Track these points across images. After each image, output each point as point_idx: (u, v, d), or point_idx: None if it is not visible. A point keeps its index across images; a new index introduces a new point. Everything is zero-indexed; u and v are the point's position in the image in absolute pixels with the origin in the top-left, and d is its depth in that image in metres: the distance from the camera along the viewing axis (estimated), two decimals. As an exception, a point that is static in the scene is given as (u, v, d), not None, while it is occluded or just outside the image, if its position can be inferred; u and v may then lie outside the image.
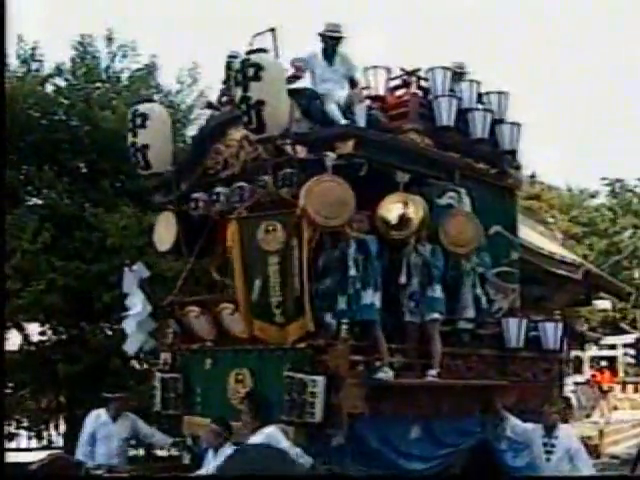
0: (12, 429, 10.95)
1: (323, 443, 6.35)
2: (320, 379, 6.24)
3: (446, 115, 7.68)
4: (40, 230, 9.92)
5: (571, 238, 29.80)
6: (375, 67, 7.93)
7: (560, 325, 8.14)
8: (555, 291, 14.01)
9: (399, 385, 6.69)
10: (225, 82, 7.87)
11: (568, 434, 7.51)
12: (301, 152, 6.73)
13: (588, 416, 21.45)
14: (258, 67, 6.35)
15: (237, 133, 7.31)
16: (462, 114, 7.92)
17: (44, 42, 11.36)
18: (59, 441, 11.45)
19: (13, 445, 11.19)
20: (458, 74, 8.30)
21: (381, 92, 7.92)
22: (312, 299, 6.46)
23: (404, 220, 6.95)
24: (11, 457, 9.57)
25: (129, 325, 8.13)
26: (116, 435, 7.92)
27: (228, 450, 6.44)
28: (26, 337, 10.90)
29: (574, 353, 23.67)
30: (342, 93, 7.32)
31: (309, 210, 6.36)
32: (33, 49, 11.29)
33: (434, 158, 7.48)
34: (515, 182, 8.56)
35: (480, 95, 8.30)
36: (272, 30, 6.94)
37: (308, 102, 7.13)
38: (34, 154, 10.93)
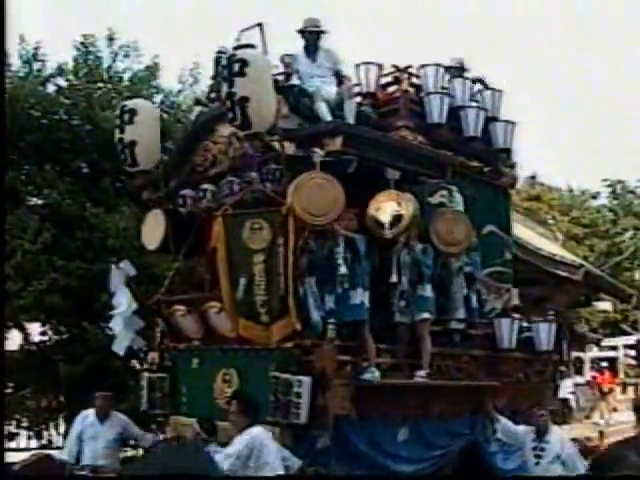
0: (12, 429, 10.97)
1: (309, 445, 6.27)
2: (306, 379, 6.16)
3: (437, 112, 7.59)
4: (41, 230, 9.96)
5: (572, 239, 29.63)
6: (366, 63, 7.82)
7: (553, 326, 8.03)
8: (555, 292, 13.95)
9: (387, 386, 6.60)
10: (214, 78, 7.78)
11: (560, 438, 7.36)
12: (289, 149, 6.63)
13: (588, 417, 21.34)
14: (243, 63, 6.27)
15: (226, 130, 7.21)
16: (455, 111, 7.83)
17: (46, 42, 11.43)
18: (59, 441, 11.36)
19: (13, 445, 11.17)
20: (458, 70, 8.23)
21: (372, 89, 7.81)
22: (298, 298, 6.37)
23: (394, 218, 6.86)
24: (11, 457, 9.51)
25: (116, 324, 8.04)
26: (102, 436, 7.80)
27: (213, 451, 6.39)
28: (27, 337, 10.95)
29: (575, 354, 23.55)
30: (331, 89, 7.24)
31: (296, 207, 6.28)
32: (35, 49, 11.32)
33: (425, 155, 7.39)
34: (509, 181, 8.46)
35: (473, 93, 8.19)
36: (259, 25, 6.84)
37: (296, 99, 7.04)
38: (35, 154, 10.95)
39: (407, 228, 6.90)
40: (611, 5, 61.33)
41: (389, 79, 8.00)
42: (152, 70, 12.06)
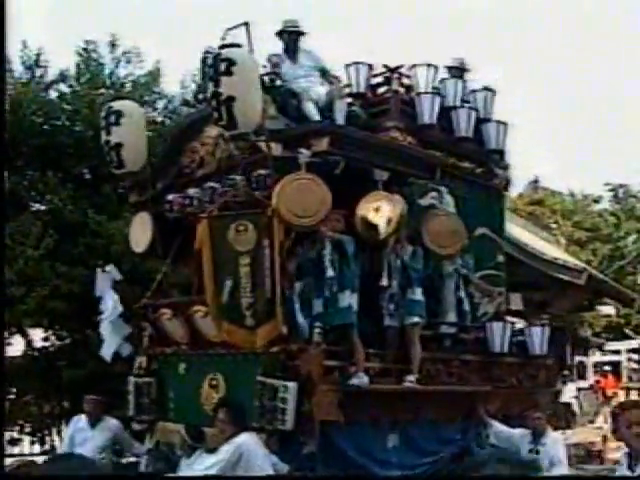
0: (15, 434, 10.99)
1: (295, 451, 6.15)
2: (291, 385, 6.04)
3: (428, 113, 7.47)
4: (44, 236, 9.89)
5: (574, 243, 29.50)
6: (356, 63, 7.70)
7: (547, 330, 7.90)
8: (558, 296, 13.83)
9: (375, 391, 6.47)
10: (202, 79, 7.69)
11: (555, 442, 7.32)
12: (276, 149, 6.52)
13: (592, 422, 21.18)
14: (230, 62, 6.18)
15: (213, 131, 7.11)
16: (446, 112, 7.71)
17: (48, 48, 11.39)
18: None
19: (16, 450, 11.19)
20: (459, 70, 8.13)
21: (362, 89, 7.69)
22: (284, 301, 6.26)
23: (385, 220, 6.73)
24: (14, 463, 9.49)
25: (104, 329, 7.94)
26: (92, 441, 7.69)
27: (201, 456, 6.28)
28: (30, 343, 10.92)
29: (578, 359, 23.42)
30: (320, 90, 7.14)
31: (281, 208, 6.17)
32: (37, 55, 11.26)
33: (414, 156, 7.28)
34: (502, 182, 8.32)
35: (466, 93, 8.07)
36: (246, 24, 6.72)
37: (284, 99, 6.95)
38: (38, 160, 10.89)
39: (396, 230, 6.78)
40: (613, 6, 61.16)
41: (379, 79, 7.89)
42: (154, 75, 11.99)
